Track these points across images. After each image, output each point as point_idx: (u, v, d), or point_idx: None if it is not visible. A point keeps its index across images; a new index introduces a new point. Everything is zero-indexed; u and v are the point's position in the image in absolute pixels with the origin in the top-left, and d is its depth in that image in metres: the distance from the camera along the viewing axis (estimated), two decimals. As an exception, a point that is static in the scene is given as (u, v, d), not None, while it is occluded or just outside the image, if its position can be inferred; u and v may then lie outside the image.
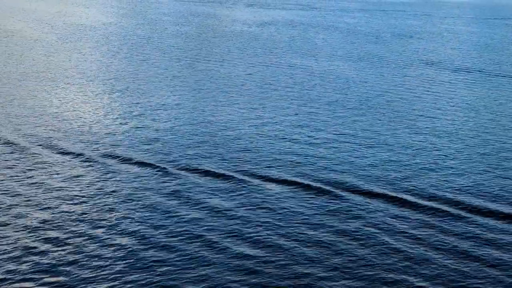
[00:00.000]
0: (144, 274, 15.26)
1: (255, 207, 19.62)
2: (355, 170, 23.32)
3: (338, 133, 28.74)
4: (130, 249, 16.52)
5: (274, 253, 16.60)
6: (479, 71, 49.39)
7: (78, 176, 21.89)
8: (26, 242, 16.68)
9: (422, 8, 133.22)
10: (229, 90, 37.89)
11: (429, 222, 18.91)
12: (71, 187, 20.80)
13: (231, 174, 22.51)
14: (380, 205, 20.14)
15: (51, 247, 16.44)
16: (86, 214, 18.69)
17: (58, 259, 15.84)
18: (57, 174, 22.05)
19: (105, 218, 18.44)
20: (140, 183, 21.46)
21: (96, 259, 15.91)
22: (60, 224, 17.90)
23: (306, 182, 21.87)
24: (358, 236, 17.80)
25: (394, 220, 18.98)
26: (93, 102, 33.70)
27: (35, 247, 16.40)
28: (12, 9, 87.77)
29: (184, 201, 19.91)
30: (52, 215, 18.51)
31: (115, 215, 18.66)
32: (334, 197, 20.68)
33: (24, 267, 15.40)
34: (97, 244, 16.71)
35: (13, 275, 15.02)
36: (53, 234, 17.22)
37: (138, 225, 18.04)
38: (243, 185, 21.50)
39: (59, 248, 16.40)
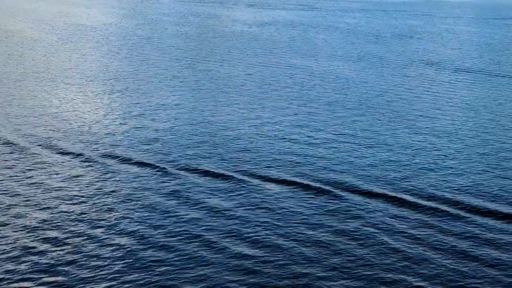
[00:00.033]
0: (143, 274, 15.27)
1: (254, 207, 19.62)
2: (355, 170, 23.33)
3: (337, 133, 28.74)
4: (129, 249, 16.53)
5: (273, 253, 16.60)
6: (479, 71, 49.39)
7: (77, 176, 21.90)
8: (25, 242, 16.68)
9: (423, 8, 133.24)
10: (229, 90, 37.90)
11: (428, 222, 18.91)
12: (70, 187, 20.80)
13: (230, 174, 22.52)
14: (379, 205, 20.14)
15: (50, 247, 16.45)
16: (85, 214, 18.70)
17: (57, 259, 15.85)
18: (57, 174, 22.06)
19: (104, 218, 18.45)
20: (139, 183, 21.46)
21: (95, 259, 15.92)
22: (59, 224, 17.91)
23: (305, 182, 21.87)
24: (357, 236, 17.80)
25: (393, 220, 18.98)
26: (93, 102, 33.71)
27: (34, 247, 16.41)
28: (12, 9, 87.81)
29: (184, 201, 19.91)
30: (52, 215, 18.51)
31: (114, 215, 18.67)
32: (334, 197, 20.68)
33: (23, 266, 15.41)
34: (96, 244, 16.72)
35: (12, 275, 15.03)
36: (52, 234, 17.23)
37: (137, 225, 18.05)
38: (243, 185, 21.50)
39: (58, 248, 16.41)
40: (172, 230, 17.74)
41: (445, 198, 20.74)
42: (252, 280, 15.20)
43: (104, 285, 14.73)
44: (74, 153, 24.42)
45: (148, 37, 63.30)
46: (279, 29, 75.64)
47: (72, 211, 18.82)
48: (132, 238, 17.15)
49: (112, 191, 20.58)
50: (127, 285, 14.75)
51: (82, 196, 20.06)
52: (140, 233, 17.49)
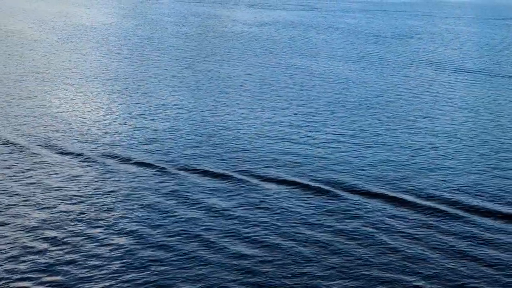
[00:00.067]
0: (142, 274, 15.28)
1: (253, 207, 19.63)
2: (354, 170, 23.33)
3: (337, 133, 28.75)
4: (128, 248, 16.54)
5: (272, 252, 16.61)
6: (479, 71, 49.38)
7: (76, 176, 21.91)
8: (24, 242, 16.69)
9: (423, 8, 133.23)
10: (229, 90, 37.91)
11: (428, 222, 18.92)
12: (69, 187, 20.82)
13: (230, 174, 22.53)
14: (378, 205, 20.14)
15: (49, 247, 16.46)
16: (84, 213, 18.71)
17: (56, 258, 15.86)
18: (56, 174, 22.08)
19: (103, 217, 18.46)
20: (138, 183, 21.47)
21: (94, 258, 15.93)
22: (58, 223, 17.92)
23: (304, 182, 21.87)
24: (356, 236, 17.80)
25: (392, 220, 18.99)
26: (93, 102, 33.72)
27: (33, 247, 16.42)
28: (12, 9, 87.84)
29: (183, 201, 19.93)
30: (51, 214, 18.53)
31: (113, 215, 18.68)
32: (333, 197, 20.69)
33: (22, 266, 15.42)
34: (95, 244, 16.73)
35: (11, 274, 15.04)
36: (51, 233, 17.24)
37: (136, 224, 18.06)
38: (242, 185, 21.51)
39: (57, 248, 16.42)
40: (171, 230, 17.75)
41: (444, 198, 20.75)
42: (251, 280, 15.21)
43: (103, 284, 14.74)
44: (73, 153, 24.44)
45: (148, 37, 63.33)
46: (279, 30, 75.66)
47: (71, 211, 18.84)
48: (131, 238, 17.17)
49: (111, 191, 20.60)
50: (126, 285, 14.76)
51: (81, 196, 20.07)
52: (139, 233, 17.50)
